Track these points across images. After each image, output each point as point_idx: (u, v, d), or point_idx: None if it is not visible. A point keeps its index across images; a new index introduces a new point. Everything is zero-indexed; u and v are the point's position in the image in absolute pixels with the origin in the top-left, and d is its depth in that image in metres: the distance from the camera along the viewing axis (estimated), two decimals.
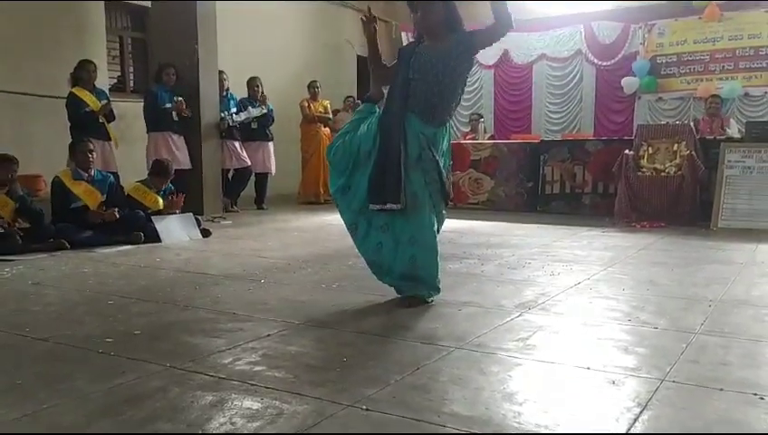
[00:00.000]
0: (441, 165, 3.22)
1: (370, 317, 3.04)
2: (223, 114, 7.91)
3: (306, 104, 9.29)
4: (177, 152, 7.31)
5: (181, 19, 7.49)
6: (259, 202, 8.65)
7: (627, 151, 7.08)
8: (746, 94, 9.75)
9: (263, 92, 8.37)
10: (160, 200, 5.85)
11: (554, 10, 10.69)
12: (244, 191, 8.44)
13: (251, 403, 1.96)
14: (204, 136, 7.66)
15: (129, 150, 7.23)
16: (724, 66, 9.85)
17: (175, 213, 5.89)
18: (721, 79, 9.82)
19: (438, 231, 3.33)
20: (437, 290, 3.28)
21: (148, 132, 7.33)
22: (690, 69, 10.10)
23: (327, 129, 9.34)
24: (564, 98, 11.05)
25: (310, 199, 9.34)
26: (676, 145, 6.84)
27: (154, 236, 5.50)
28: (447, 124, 3.33)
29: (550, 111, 11.17)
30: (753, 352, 2.51)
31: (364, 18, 3.32)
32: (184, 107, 7.28)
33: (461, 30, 3.20)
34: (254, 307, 3.19)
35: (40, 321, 2.98)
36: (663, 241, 5.54)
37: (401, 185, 3.10)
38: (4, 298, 3.48)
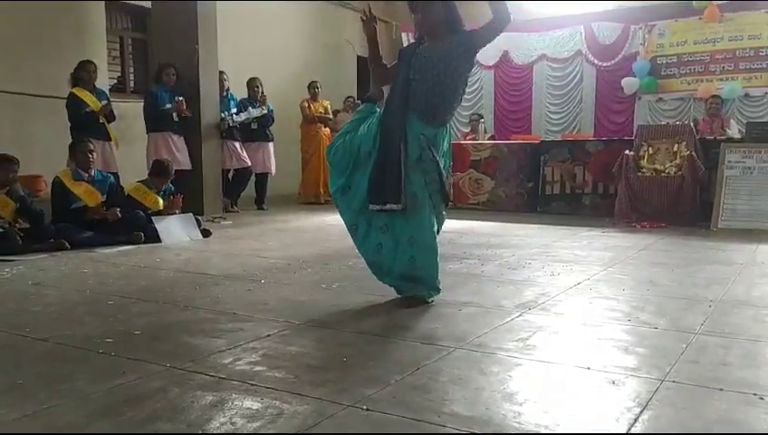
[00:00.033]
0: (441, 166, 3.22)
1: (371, 317, 3.04)
2: (223, 115, 7.92)
3: (306, 105, 9.29)
4: (177, 153, 7.31)
5: (181, 19, 7.49)
6: (259, 202, 8.66)
7: (627, 152, 7.08)
8: (746, 95, 9.75)
9: (263, 93, 8.37)
10: (160, 201, 5.85)
11: (554, 11, 10.68)
12: (245, 192, 8.44)
13: (251, 403, 1.96)
14: (204, 136, 7.66)
15: (130, 151, 7.23)
16: (724, 67, 9.85)
17: (175, 213, 5.89)
18: (721, 79, 9.82)
19: (438, 232, 3.33)
20: (437, 290, 3.28)
21: (147, 133, 7.33)
22: (690, 69, 10.10)
23: (327, 129, 9.34)
24: (564, 98, 11.06)
25: (310, 200, 9.35)
26: (676, 145, 6.84)
27: (154, 237, 5.50)
28: (448, 125, 3.33)
29: (550, 112, 11.17)
30: (753, 352, 2.51)
31: (364, 17, 3.33)
32: (184, 107, 7.28)
33: (461, 30, 3.20)
34: (255, 307, 3.19)
35: (40, 321, 2.98)
36: (663, 241, 5.54)
37: (401, 185, 3.10)
38: (4, 298, 3.48)
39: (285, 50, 10.05)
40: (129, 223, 5.49)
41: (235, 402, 1.97)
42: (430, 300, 3.25)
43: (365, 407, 1.92)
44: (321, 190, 9.22)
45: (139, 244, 5.36)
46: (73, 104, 6.41)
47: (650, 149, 6.97)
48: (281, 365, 2.32)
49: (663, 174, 6.79)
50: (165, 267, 4.38)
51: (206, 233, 5.89)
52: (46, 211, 5.41)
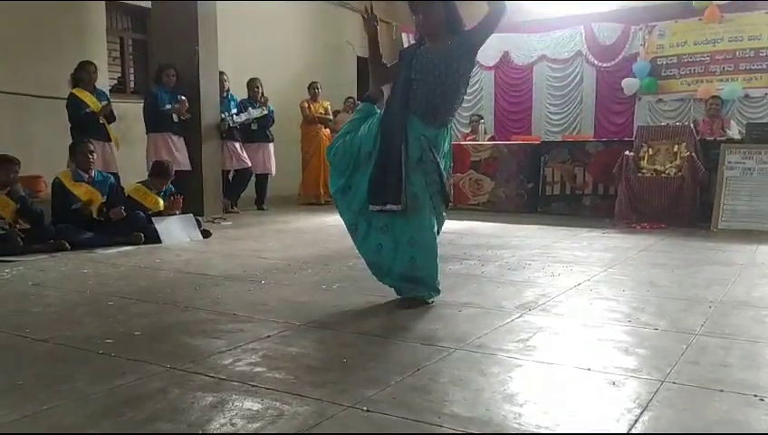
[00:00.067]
0: (442, 166, 3.22)
1: (371, 318, 3.04)
2: (223, 115, 7.92)
3: (306, 105, 9.30)
4: (177, 153, 7.31)
5: (182, 20, 7.49)
6: (259, 203, 8.66)
7: (627, 153, 7.08)
8: (746, 96, 9.75)
9: (263, 93, 8.37)
10: (161, 201, 5.85)
11: (555, 11, 10.69)
12: (245, 192, 8.44)
13: (251, 404, 1.96)
14: (204, 137, 7.66)
15: (130, 151, 7.23)
16: (724, 68, 9.85)
17: (175, 214, 5.89)
18: (721, 80, 9.82)
19: (438, 233, 3.33)
20: (437, 291, 3.28)
21: (147, 133, 7.33)
22: (690, 70, 10.10)
23: (327, 130, 9.34)
24: (564, 99, 11.06)
25: (310, 200, 9.34)
26: (676, 146, 6.84)
27: (154, 237, 5.50)
28: (449, 126, 3.33)
29: (550, 113, 11.18)
30: (754, 353, 2.51)
31: (365, 15, 3.33)
32: (187, 106, 7.28)
33: (462, 30, 3.20)
34: (255, 308, 3.19)
35: (40, 322, 2.98)
36: (663, 242, 5.54)
37: (402, 186, 3.10)
38: (4, 299, 3.48)
39: (285, 50, 10.06)
40: (130, 224, 5.48)
41: (236, 403, 1.97)
42: (430, 301, 3.25)
43: (365, 408, 1.92)
44: (322, 191, 9.23)
45: (139, 244, 5.36)
46: (74, 105, 6.42)
47: (650, 149, 6.97)
48: (281, 366, 2.32)
49: (663, 175, 6.79)
50: (165, 268, 4.38)
51: (206, 234, 5.89)
52: (46, 212, 5.41)
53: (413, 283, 3.23)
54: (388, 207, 3.13)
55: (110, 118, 6.68)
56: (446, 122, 3.28)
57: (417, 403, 1.97)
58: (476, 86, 11.35)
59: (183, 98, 7.25)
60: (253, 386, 2.11)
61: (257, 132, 8.35)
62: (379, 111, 3.38)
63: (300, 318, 2.98)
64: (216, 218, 7.22)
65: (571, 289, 3.65)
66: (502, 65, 11.43)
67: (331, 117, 9.50)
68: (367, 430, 1.79)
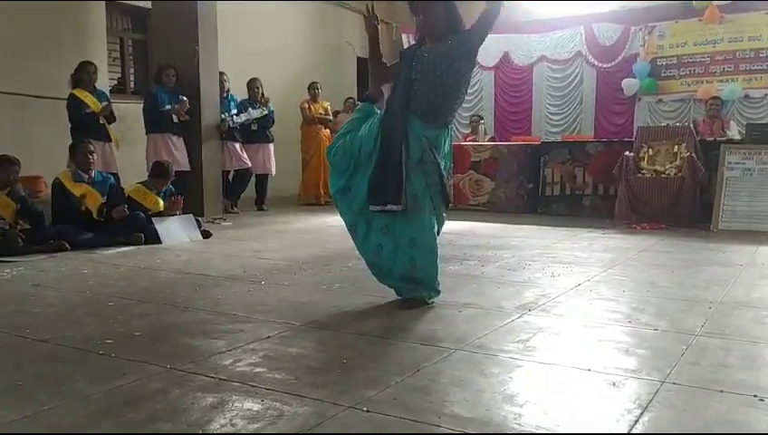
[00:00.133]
0: (442, 167, 3.22)
1: (371, 319, 3.04)
2: (223, 116, 7.92)
3: (306, 106, 9.30)
4: (177, 153, 7.32)
5: (182, 20, 7.49)
6: (259, 203, 8.66)
7: (627, 153, 7.08)
8: (746, 96, 9.75)
9: (263, 94, 8.37)
10: (161, 202, 5.85)
11: (555, 11, 10.69)
12: (245, 193, 8.44)
13: (251, 405, 1.96)
14: (204, 137, 7.67)
15: (130, 152, 7.23)
16: (724, 68, 9.86)
17: (175, 214, 5.89)
18: (721, 81, 9.83)
19: (438, 233, 3.33)
20: (437, 292, 3.29)
21: (147, 134, 7.33)
22: (690, 71, 10.11)
23: (327, 130, 9.34)
24: (564, 99, 11.06)
25: (310, 201, 9.34)
26: (676, 147, 6.84)
27: (154, 238, 5.50)
28: (450, 126, 3.33)
29: (550, 113, 11.18)
30: (754, 353, 2.51)
31: (366, 15, 3.33)
32: (187, 107, 7.28)
33: (462, 31, 3.20)
34: (255, 309, 3.19)
35: (40, 322, 2.98)
36: (663, 243, 5.54)
37: (402, 186, 3.10)
38: (4, 299, 3.48)
39: (285, 51, 10.06)
40: (130, 224, 5.48)
41: (236, 404, 1.97)
42: (430, 301, 3.25)
43: (365, 408, 1.93)
44: (322, 191, 9.23)
45: (139, 245, 5.36)
46: (74, 105, 6.42)
47: (650, 150, 6.97)
48: (281, 367, 2.32)
49: (663, 175, 6.80)
50: (165, 268, 4.38)
51: (206, 234, 5.89)
52: (46, 212, 5.41)
53: (413, 283, 3.24)
54: (389, 207, 3.13)
55: (111, 118, 6.69)
56: (447, 123, 3.28)
57: (417, 404, 1.97)
58: (476, 87, 11.35)
59: (184, 98, 7.26)
60: (253, 387, 2.11)
61: (257, 133, 8.34)
62: (378, 110, 3.38)
63: (300, 319, 2.98)
64: (216, 219, 7.22)
65: (571, 290, 3.65)
66: (502, 66, 11.43)
67: (331, 117, 9.50)
68: (367, 431, 1.79)
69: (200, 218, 6.21)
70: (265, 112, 8.32)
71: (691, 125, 7.56)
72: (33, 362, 2.40)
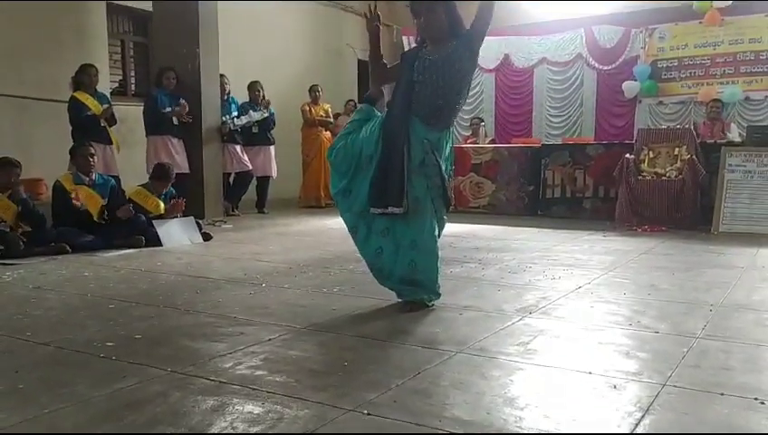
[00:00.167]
0: (443, 169, 3.22)
1: (371, 321, 3.04)
2: (224, 118, 7.93)
3: (307, 108, 9.31)
4: (177, 156, 7.32)
5: (183, 23, 7.51)
6: (260, 206, 8.66)
7: (627, 155, 7.08)
8: (747, 98, 9.74)
9: (264, 96, 8.38)
10: (161, 204, 5.86)
11: (555, 13, 10.70)
12: (246, 195, 8.44)
13: (252, 408, 1.96)
14: (205, 140, 7.67)
15: (131, 154, 7.24)
16: (724, 70, 9.85)
17: (176, 217, 5.89)
18: (722, 83, 9.82)
19: (439, 236, 3.33)
20: (437, 294, 3.28)
21: (147, 136, 7.34)
22: (691, 73, 10.10)
23: (328, 132, 9.34)
24: (565, 102, 11.06)
25: (311, 203, 9.35)
26: (676, 149, 6.84)
27: (155, 240, 5.50)
28: (451, 129, 3.34)
29: (550, 115, 11.18)
30: (755, 356, 2.51)
31: (367, 15, 3.34)
32: (186, 111, 7.29)
33: (462, 33, 3.20)
34: (255, 311, 3.19)
35: (41, 325, 2.98)
36: (664, 245, 5.54)
37: (404, 189, 3.10)
38: (5, 302, 3.48)
39: (286, 53, 10.07)
40: (130, 227, 5.49)
41: (236, 407, 1.97)
42: (431, 304, 3.25)
43: (366, 411, 1.92)
44: (322, 194, 9.23)
45: (139, 247, 5.36)
46: (75, 108, 6.43)
47: (651, 152, 6.97)
48: (282, 369, 2.32)
49: (663, 178, 6.80)
50: (166, 271, 4.38)
51: (206, 236, 5.89)
52: (47, 215, 5.41)
53: (413, 286, 3.24)
54: (390, 209, 3.13)
55: (111, 121, 6.70)
56: (449, 124, 3.29)
57: (417, 407, 1.97)
58: (477, 89, 11.35)
59: (182, 102, 7.27)
60: (254, 389, 2.11)
61: (258, 135, 8.35)
62: (378, 112, 3.39)
63: (300, 321, 2.98)
64: (216, 221, 7.22)
65: (572, 292, 3.65)
66: (502, 68, 11.43)
67: (332, 120, 9.51)
68: (368, 434, 1.79)
69: (201, 221, 6.21)
70: (266, 115, 8.33)
71: (692, 127, 7.56)
72: (33, 365, 2.40)
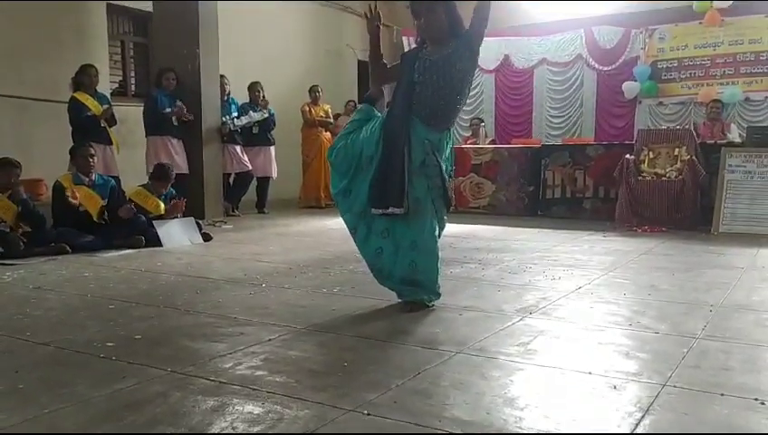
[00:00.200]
0: (444, 170, 3.22)
1: (371, 322, 3.04)
2: (224, 119, 7.94)
3: (307, 109, 9.31)
4: (176, 156, 7.33)
5: (183, 24, 7.51)
6: (260, 206, 8.66)
7: (627, 156, 7.08)
8: (747, 99, 9.74)
9: (264, 97, 8.38)
10: (162, 205, 5.86)
11: (555, 14, 10.70)
12: (246, 196, 8.44)
13: (252, 408, 1.96)
14: (205, 140, 7.68)
15: (131, 155, 7.24)
16: (724, 71, 9.86)
17: (176, 217, 5.89)
18: (722, 84, 9.83)
19: (439, 236, 3.33)
20: (437, 295, 3.28)
21: (147, 136, 7.34)
22: (691, 74, 10.11)
23: (328, 133, 9.35)
24: (565, 102, 11.06)
25: (311, 204, 9.35)
26: (676, 150, 6.84)
27: (155, 241, 5.50)
28: (451, 129, 3.34)
29: (551, 116, 11.18)
30: (754, 357, 2.51)
31: (368, 15, 3.34)
32: (184, 112, 7.30)
33: (462, 33, 3.20)
34: (255, 312, 3.19)
35: (41, 325, 2.98)
36: (664, 246, 5.54)
37: (404, 189, 3.10)
38: (5, 302, 3.48)
39: (286, 54, 10.08)
40: (130, 227, 5.49)
41: (236, 407, 1.97)
42: (431, 304, 3.25)
43: (366, 412, 1.92)
44: (322, 194, 9.24)
45: (139, 248, 5.36)
46: (75, 108, 6.43)
47: (651, 153, 6.97)
48: (282, 370, 2.32)
49: (664, 178, 6.80)
50: (166, 271, 4.38)
51: (206, 237, 5.89)
52: (47, 215, 5.41)
53: (413, 286, 3.24)
54: (391, 210, 3.13)
55: (111, 121, 6.70)
56: (450, 125, 3.29)
57: (417, 407, 1.97)
58: (477, 89, 11.35)
59: (179, 104, 7.29)
60: (254, 390, 2.11)
61: (258, 136, 8.36)
62: (378, 112, 3.39)
63: (300, 322, 2.98)
64: (216, 222, 7.22)
65: (572, 292, 3.65)
66: (502, 69, 11.43)
67: (332, 120, 9.51)
68: (368, 434, 1.79)
69: (201, 221, 6.21)
70: (266, 115, 8.33)
71: (692, 128, 7.56)
72: (33, 366, 2.40)
